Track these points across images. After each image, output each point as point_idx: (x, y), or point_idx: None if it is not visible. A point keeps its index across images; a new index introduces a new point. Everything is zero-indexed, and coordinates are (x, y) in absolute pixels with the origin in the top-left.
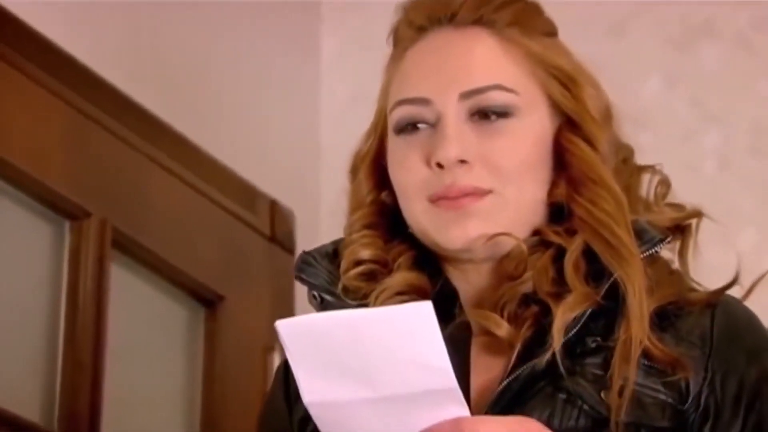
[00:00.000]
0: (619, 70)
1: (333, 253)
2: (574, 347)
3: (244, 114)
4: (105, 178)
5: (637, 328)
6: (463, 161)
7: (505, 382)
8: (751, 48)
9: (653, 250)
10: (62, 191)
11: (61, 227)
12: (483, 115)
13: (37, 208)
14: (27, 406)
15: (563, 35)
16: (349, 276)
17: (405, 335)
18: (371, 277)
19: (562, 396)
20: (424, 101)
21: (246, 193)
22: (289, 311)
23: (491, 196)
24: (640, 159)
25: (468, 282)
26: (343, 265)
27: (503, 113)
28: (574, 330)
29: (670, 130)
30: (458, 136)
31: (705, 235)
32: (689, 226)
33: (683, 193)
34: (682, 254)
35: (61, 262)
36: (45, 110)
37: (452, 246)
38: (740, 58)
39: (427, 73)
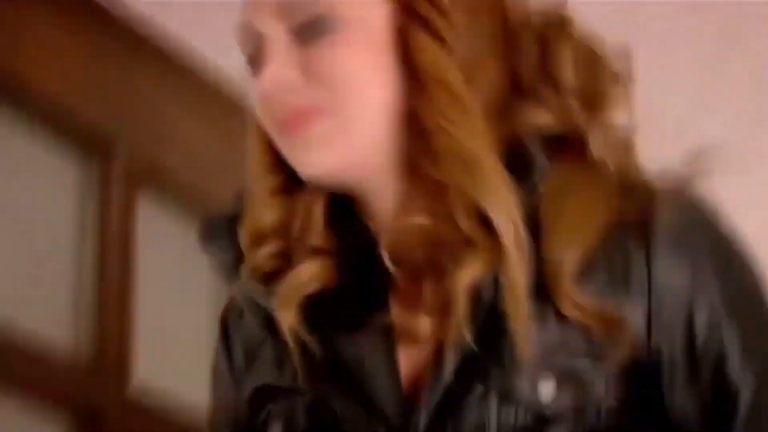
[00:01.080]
0: None
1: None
2: (489, 323)
3: None
4: (133, 114)
5: (517, 272)
6: (287, 84)
7: (430, 389)
8: None
9: (533, 181)
10: (90, 126)
11: (90, 161)
12: (305, 29)
13: (64, 144)
14: (57, 335)
15: None
16: (258, 257)
17: None
18: (282, 256)
19: (494, 391)
20: (247, 26)
21: None
22: None
23: (329, 119)
24: None
25: (376, 222)
26: (244, 239)
27: (324, 20)
28: (480, 307)
29: None
30: (278, 58)
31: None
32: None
33: None
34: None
35: (89, 195)
36: (75, 53)
37: (304, 174)
38: None
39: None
